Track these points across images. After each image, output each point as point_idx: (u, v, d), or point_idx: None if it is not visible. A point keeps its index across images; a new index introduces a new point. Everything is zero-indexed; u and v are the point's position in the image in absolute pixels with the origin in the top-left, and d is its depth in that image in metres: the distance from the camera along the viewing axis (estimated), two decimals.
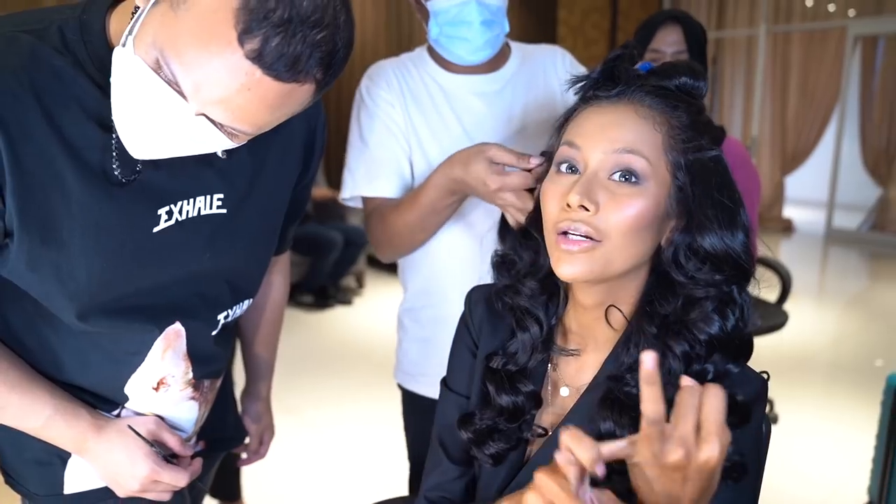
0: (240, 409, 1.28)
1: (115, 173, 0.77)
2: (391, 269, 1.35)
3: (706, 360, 0.75)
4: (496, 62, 1.26)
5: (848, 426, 2.96)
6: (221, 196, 0.86)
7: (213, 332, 0.97)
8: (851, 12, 6.68)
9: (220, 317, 0.97)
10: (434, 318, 1.30)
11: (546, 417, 0.85)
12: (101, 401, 0.92)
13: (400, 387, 1.42)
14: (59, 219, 0.76)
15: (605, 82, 0.81)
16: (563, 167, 0.78)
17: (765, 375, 0.78)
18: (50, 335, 0.87)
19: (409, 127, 1.25)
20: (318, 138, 1.03)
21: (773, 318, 2.60)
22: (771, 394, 0.80)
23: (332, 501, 2.41)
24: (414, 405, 1.39)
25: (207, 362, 0.98)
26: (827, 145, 7.15)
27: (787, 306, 2.77)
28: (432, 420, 1.32)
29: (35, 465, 0.92)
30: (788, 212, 7.62)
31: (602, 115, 0.78)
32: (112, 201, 0.77)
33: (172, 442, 0.94)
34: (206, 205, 0.85)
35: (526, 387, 0.84)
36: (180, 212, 0.83)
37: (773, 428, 2.87)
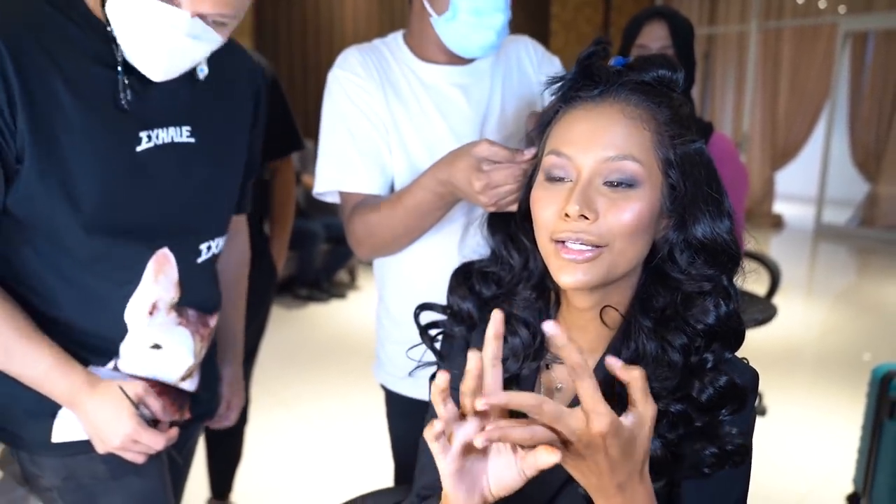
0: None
1: (122, 103, 0.95)
2: None
3: (706, 349, 0.76)
4: None
5: (835, 418, 3.01)
6: (189, 128, 1.04)
7: (199, 260, 1.10)
8: (842, 8, 6.72)
9: (203, 246, 1.10)
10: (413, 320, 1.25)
11: None
12: (96, 353, 1.01)
13: (383, 387, 1.37)
14: (61, 138, 0.91)
15: (584, 82, 0.79)
16: (554, 176, 0.77)
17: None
18: (54, 276, 0.97)
19: (390, 119, 1.17)
20: (261, 99, 1.20)
21: (763, 311, 2.62)
22: (760, 386, 0.83)
23: (325, 494, 2.43)
24: (397, 406, 1.35)
25: (195, 292, 1.10)
26: (817, 141, 7.19)
27: (777, 300, 2.80)
28: (417, 421, 1.29)
29: (26, 415, 1.00)
30: (778, 207, 7.67)
31: (588, 119, 0.76)
32: (104, 124, 0.94)
33: (155, 406, 1.02)
34: (177, 134, 1.03)
35: None
36: (157, 137, 1.00)
37: (763, 420, 2.92)
